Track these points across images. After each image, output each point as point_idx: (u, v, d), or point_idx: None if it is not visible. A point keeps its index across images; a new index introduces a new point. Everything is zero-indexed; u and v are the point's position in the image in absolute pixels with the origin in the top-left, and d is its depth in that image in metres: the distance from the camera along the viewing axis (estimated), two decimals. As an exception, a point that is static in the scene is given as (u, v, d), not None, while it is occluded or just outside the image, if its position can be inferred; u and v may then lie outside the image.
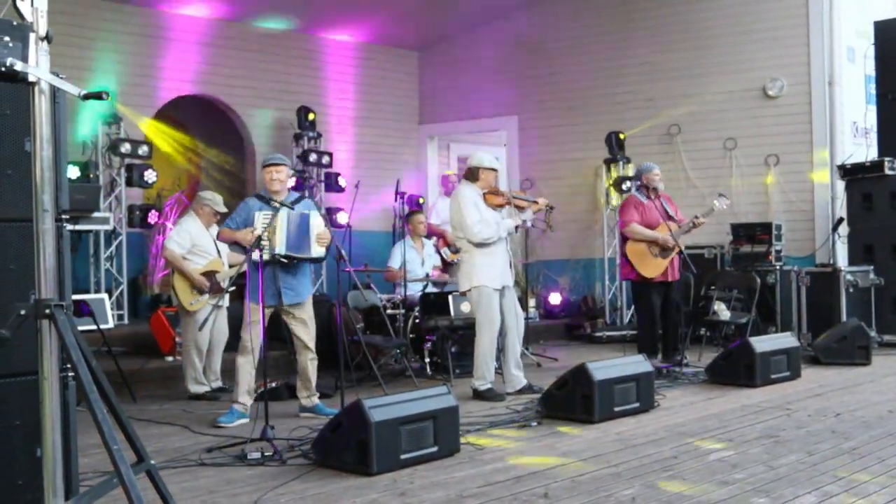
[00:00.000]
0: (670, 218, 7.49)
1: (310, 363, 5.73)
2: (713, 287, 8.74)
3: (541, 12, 11.45)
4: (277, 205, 5.46)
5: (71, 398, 2.98)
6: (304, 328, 5.72)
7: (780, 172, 10.01)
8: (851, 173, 9.09)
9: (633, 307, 9.61)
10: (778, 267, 9.15)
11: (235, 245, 5.70)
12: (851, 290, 8.53)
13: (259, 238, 5.28)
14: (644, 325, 7.70)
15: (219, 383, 6.68)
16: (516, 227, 6.61)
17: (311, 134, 10.66)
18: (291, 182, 6.04)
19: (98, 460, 4.19)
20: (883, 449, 4.54)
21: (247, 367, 5.54)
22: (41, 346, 2.56)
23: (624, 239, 7.67)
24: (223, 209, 6.78)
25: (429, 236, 8.75)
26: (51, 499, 2.52)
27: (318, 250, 5.57)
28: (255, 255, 5.19)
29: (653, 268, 7.49)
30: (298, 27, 10.93)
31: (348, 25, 11.10)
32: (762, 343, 6.84)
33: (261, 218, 5.45)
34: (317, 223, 5.57)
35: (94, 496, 2.70)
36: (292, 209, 5.48)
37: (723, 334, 8.80)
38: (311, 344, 5.74)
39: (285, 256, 5.46)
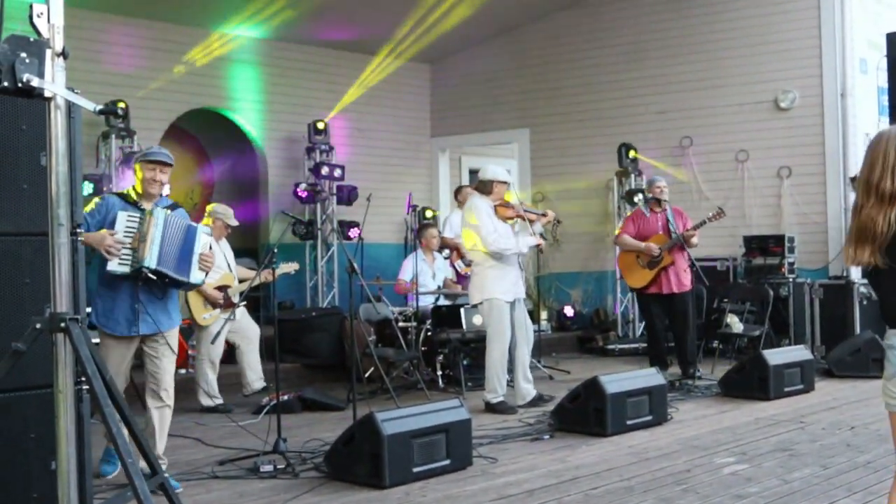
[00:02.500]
0: (669, 229, 7.48)
1: (157, 413, 4.48)
2: (726, 299, 8.70)
3: (552, 25, 11.47)
4: (147, 207, 4.43)
5: (85, 411, 2.99)
6: (160, 364, 4.47)
7: (793, 184, 9.97)
8: (864, 185, 9.03)
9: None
10: (791, 279, 9.10)
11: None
12: (865, 302, 8.46)
13: (120, 245, 4.25)
14: (648, 337, 7.84)
15: (262, 383, 6.64)
16: (538, 246, 6.63)
17: (323, 147, 10.70)
18: (167, 190, 4.96)
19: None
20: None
21: None
22: (56, 359, 2.57)
23: None
24: (234, 222, 6.82)
25: (442, 249, 8.76)
26: (65, 511, 2.53)
27: (197, 275, 4.50)
28: (114, 267, 4.24)
29: (638, 278, 7.65)
30: (310, 40, 10.99)
31: (361, 39, 11.16)
32: (775, 356, 6.81)
33: (124, 220, 4.32)
34: (204, 241, 4.55)
35: (108, 509, 2.71)
36: (170, 214, 4.46)
37: (736, 347, 8.75)
38: (167, 387, 4.50)
39: (155, 272, 4.31)
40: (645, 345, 9.27)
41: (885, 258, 2.56)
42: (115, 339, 4.39)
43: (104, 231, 4.28)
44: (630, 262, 7.73)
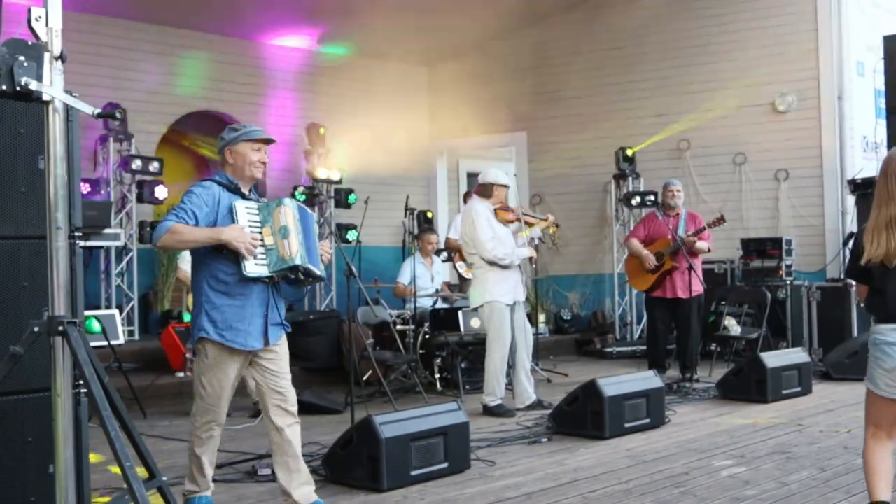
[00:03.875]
0: (675, 236, 7.51)
1: (290, 431, 3.79)
2: (724, 302, 8.72)
3: (550, 28, 11.49)
4: (253, 197, 3.84)
5: (83, 414, 2.99)
6: (284, 375, 3.85)
7: (790, 187, 9.99)
8: (862, 188, 9.05)
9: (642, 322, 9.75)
10: (788, 282, 9.12)
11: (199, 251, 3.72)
12: (862, 305, 8.48)
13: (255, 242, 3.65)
14: (647, 339, 7.90)
15: None
16: (530, 259, 6.64)
17: (321, 150, 10.71)
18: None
19: (110, 476, 4.20)
20: (896, 465, 4.50)
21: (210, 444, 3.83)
22: (54, 362, 2.57)
23: None
24: None
25: (447, 251, 8.77)
26: (63, 515, 2.53)
27: (322, 267, 3.91)
28: (253, 268, 3.64)
29: (641, 281, 7.75)
30: (309, 44, 11.00)
31: (358, 42, 11.17)
32: (773, 358, 6.81)
33: (246, 213, 3.69)
34: (316, 230, 4.07)
35: (106, 512, 2.71)
36: (294, 203, 3.83)
37: (733, 350, 8.76)
38: (294, 401, 3.85)
39: (304, 271, 3.75)
40: (643, 347, 9.30)
41: None
42: (236, 355, 3.70)
43: (235, 226, 3.62)
44: (635, 265, 7.83)
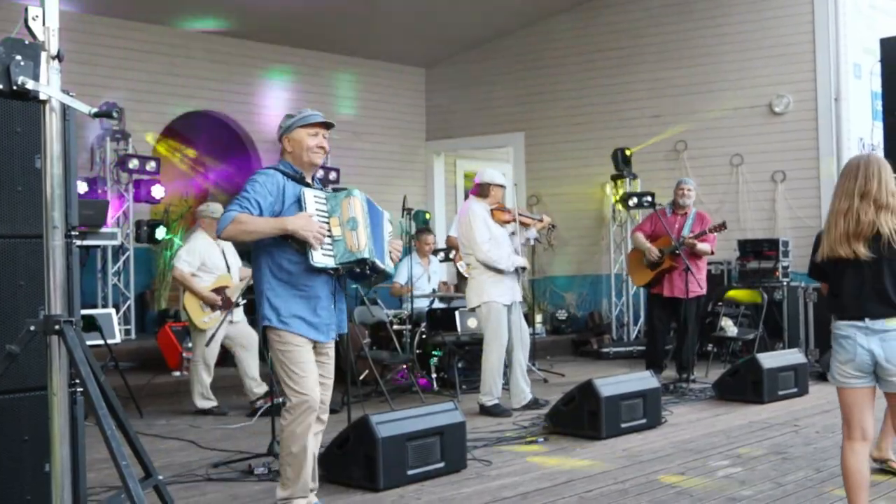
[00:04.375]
0: (679, 234, 7.51)
1: (315, 440, 3.77)
2: (720, 303, 8.72)
3: (547, 29, 11.51)
4: (318, 186, 3.69)
5: (79, 413, 2.99)
6: (331, 375, 3.82)
7: (787, 188, 10.01)
8: (858, 189, 9.06)
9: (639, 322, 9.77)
10: (785, 283, 9.14)
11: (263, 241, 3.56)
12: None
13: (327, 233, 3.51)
14: (647, 338, 7.91)
15: (263, 388, 6.54)
16: (524, 268, 6.63)
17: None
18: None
19: (106, 475, 4.20)
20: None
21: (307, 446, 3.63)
22: (50, 361, 2.57)
23: None
24: None
25: (448, 249, 8.77)
26: (59, 513, 2.53)
27: (390, 263, 3.78)
28: (320, 259, 3.49)
29: (639, 276, 7.81)
30: (306, 44, 11.00)
31: (357, 43, 11.18)
32: (769, 359, 6.83)
33: (314, 202, 3.56)
34: (388, 227, 3.86)
35: (101, 511, 2.71)
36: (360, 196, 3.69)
37: (730, 350, 8.78)
38: (327, 406, 3.83)
39: (372, 267, 3.64)
40: (640, 348, 9.32)
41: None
42: (309, 344, 3.61)
43: (303, 214, 3.49)
44: (637, 259, 7.89)
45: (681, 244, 7.41)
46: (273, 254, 3.55)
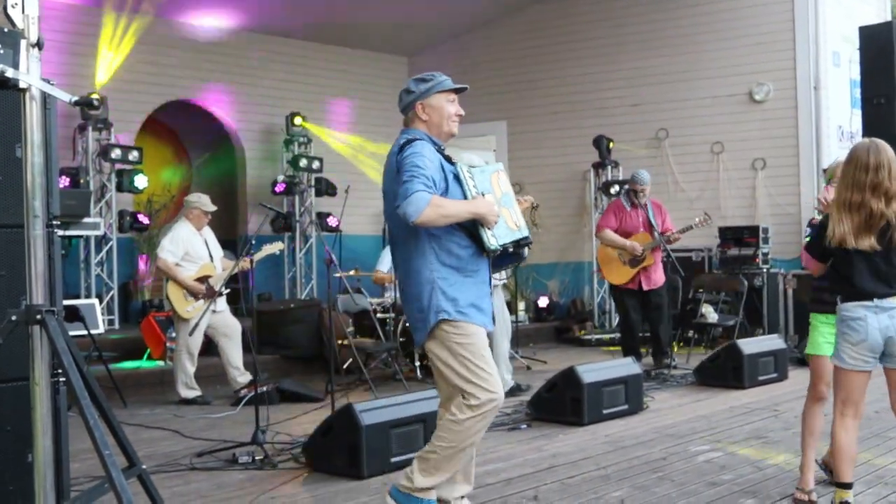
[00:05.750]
0: (651, 227, 7.45)
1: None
2: (701, 290, 8.80)
3: (529, 18, 11.51)
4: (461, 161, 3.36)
5: (62, 403, 2.98)
6: None
7: (767, 176, 10.10)
8: (837, 177, 9.16)
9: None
10: (765, 269, 9.23)
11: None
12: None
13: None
14: (621, 328, 7.85)
15: (247, 377, 6.56)
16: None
17: (301, 139, 10.68)
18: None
19: (89, 465, 4.19)
20: (869, 449, 4.59)
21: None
22: (32, 351, 2.56)
23: None
24: (212, 207, 6.76)
25: None
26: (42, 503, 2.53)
27: None
28: (492, 241, 3.21)
29: (618, 275, 7.52)
30: (289, 34, 10.94)
31: (339, 32, 11.13)
32: (749, 345, 6.90)
33: (469, 179, 3.26)
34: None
35: (85, 501, 2.71)
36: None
37: (711, 336, 8.86)
38: None
39: (528, 245, 3.38)
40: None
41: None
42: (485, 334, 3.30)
43: (486, 199, 3.20)
44: (611, 257, 7.54)
45: (665, 240, 7.35)
46: (440, 238, 3.18)
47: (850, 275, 3.38)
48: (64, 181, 8.33)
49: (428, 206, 3.00)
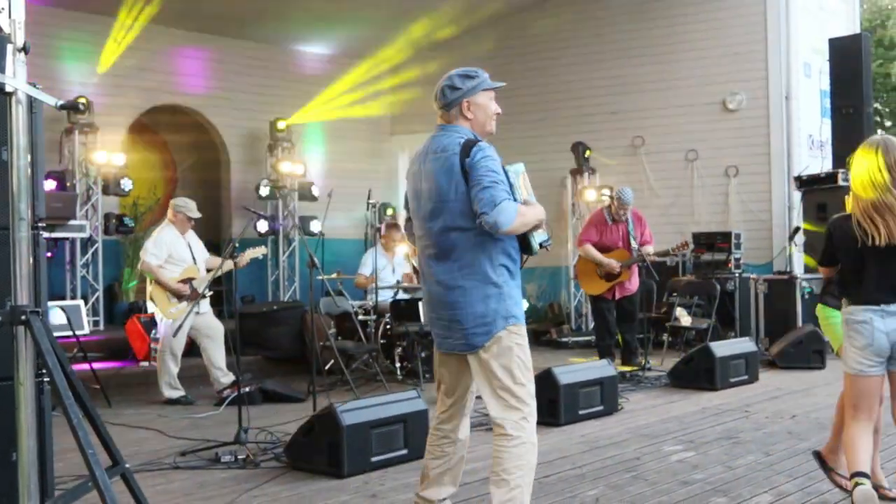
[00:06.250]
0: (629, 244, 7.65)
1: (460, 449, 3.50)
2: (675, 294, 8.93)
3: (508, 27, 11.61)
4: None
5: (46, 403, 3.01)
6: None
7: (740, 183, 10.26)
8: (807, 184, 9.33)
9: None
10: (737, 274, 9.37)
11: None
12: (807, 296, 8.76)
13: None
14: (596, 332, 8.06)
15: (229, 378, 6.55)
16: None
17: (285, 144, 10.72)
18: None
19: (73, 464, 4.21)
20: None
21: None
22: (17, 351, 2.57)
23: None
24: (197, 214, 6.80)
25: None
26: (26, 502, 2.54)
27: None
28: (535, 245, 3.20)
29: (594, 287, 7.81)
30: (273, 40, 10.98)
31: (322, 38, 11.18)
32: (722, 348, 7.02)
33: (522, 186, 3.28)
34: None
35: (69, 500, 2.71)
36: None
37: (684, 339, 8.99)
38: None
39: (544, 245, 3.30)
40: (598, 337, 9.46)
41: None
42: None
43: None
44: (589, 270, 7.82)
45: (642, 260, 7.51)
46: (505, 243, 3.11)
47: (859, 279, 3.39)
48: (51, 184, 8.33)
49: (519, 216, 2.98)
